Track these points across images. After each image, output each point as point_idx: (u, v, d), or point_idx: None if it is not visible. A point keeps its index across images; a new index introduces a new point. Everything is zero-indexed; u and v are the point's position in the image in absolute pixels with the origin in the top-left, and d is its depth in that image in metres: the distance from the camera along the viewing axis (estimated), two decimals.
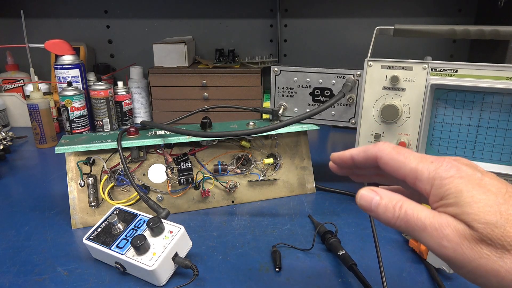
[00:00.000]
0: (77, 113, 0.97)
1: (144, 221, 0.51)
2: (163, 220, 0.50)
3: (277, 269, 0.50)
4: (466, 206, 0.25)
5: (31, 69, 1.01)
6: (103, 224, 0.52)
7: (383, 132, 0.61)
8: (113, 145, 0.60)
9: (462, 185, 0.26)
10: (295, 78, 0.68)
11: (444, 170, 0.27)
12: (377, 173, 0.35)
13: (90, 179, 0.60)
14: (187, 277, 0.49)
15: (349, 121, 0.67)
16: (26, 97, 1.13)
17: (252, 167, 0.68)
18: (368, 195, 0.29)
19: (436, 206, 0.27)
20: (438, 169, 0.27)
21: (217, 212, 0.65)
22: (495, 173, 0.55)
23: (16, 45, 1.05)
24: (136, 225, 0.51)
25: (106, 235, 0.51)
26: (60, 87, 1.02)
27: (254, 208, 0.66)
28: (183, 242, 0.50)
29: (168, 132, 0.64)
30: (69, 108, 0.96)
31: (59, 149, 0.58)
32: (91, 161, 0.61)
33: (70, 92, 0.95)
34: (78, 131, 0.98)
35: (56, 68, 1.01)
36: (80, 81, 1.03)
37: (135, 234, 0.49)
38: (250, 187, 0.68)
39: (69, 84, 0.97)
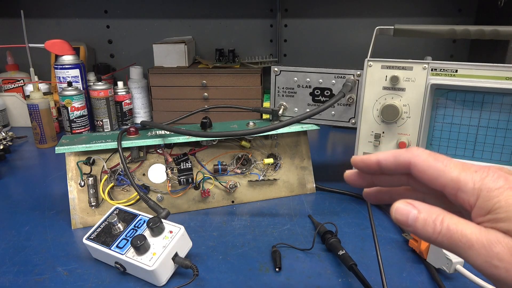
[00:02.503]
0: (77, 113, 0.97)
1: (144, 221, 0.51)
2: (163, 220, 0.50)
3: (277, 269, 0.50)
4: None
5: (31, 69, 1.01)
6: (103, 224, 0.52)
7: (383, 132, 0.61)
8: (113, 145, 0.60)
9: None
10: (295, 78, 0.68)
11: (492, 181, 0.24)
12: (403, 183, 0.32)
13: (90, 179, 0.60)
14: (187, 277, 0.49)
15: (349, 121, 0.67)
16: (26, 97, 1.13)
17: (252, 167, 0.68)
18: (405, 208, 0.26)
19: (481, 221, 0.25)
20: (485, 179, 0.25)
21: (217, 212, 0.65)
22: None
23: (16, 45, 1.05)
24: (136, 225, 0.51)
25: (106, 235, 0.51)
26: (60, 87, 1.02)
27: (254, 208, 0.66)
28: (183, 242, 0.50)
29: (168, 132, 0.64)
30: (69, 108, 0.96)
31: (59, 149, 0.58)
32: (91, 161, 0.61)
33: (70, 92, 0.95)
34: (78, 131, 0.98)
35: (56, 68, 1.01)
36: (80, 81, 1.03)
37: (135, 234, 0.49)
38: (250, 187, 0.68)
39: (69, 84, 0.97)
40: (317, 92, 0.67)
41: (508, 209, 0.23)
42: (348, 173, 0.33)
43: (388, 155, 0.30)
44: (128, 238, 0.49)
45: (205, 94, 1.10)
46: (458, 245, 0.24)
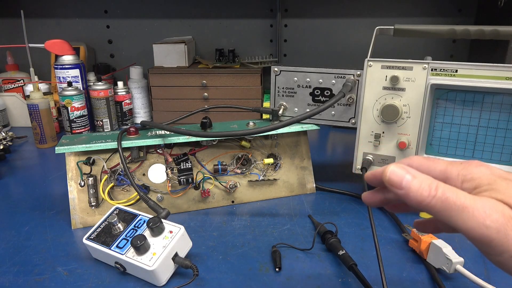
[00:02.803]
0: (77, 113, 0.97)
1: (144, 221, 0.51)
2: (163, 220, 0.50)
3: (277, 269, 0.50)
4: (505, 191, 0.26)
5: (31, 69, 1.01)
6: (103, 224, 0.52)
7: (383, 132, 0.61)
8: (113, 145, 0.60)
9: (494, 176, 0.27)
10: (295, 78, 0.68)
11: (474, 166, 0.28)
12: None
13: (90, 179, 0.60)
14: (187, 277, 0.49)
15: (349, 121, 0.67)
16: (26, 97, 1.13)
17: (252, 167, 0.68)
18: (400, 171, 0.28)
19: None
20: (468, 166, 0.28)
21: (217, 212, 0.65)
22: None
23: (16, 45, 1.05)
24: (136, 225, 0.51)
25: (106, 235, 0.51)
26: (60, 87, 1.02)
27: (254, 208, 0.66)
28: (183, 242, 0.50)
29: (168, 132, 0.64)
30: (69, 108, 0.96)
31: (59, 149, 0.58)
32: (91, 161, 0.61)
33: (70, 92, 0.95)
34: (78, 131, 0.98)
35: (56, 68, 1.01)
36: (80, 81, 1.03)
37: (135, 234, 0.49)
38: (250, 187, 0.68)
39: (69, 84, 0.97)
40: (317, 92, 0.67)
41: (492, 184, 0.26)
42: (365, 197, 0.34)
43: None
44: (128, 238, 0.49)
45: (205, 94, 1.10)
46: (451, 208, 0.25)
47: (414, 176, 0.27)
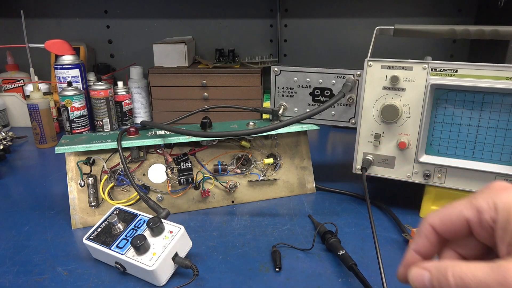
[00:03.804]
0: (77, 113, 0.97)
1: (144, 221, 0.51)
2: (163, 220, 0.50)
3: (277, 269, 0.50)
4: None
5: (31, 69, 1.01)
6: (103, 224, 0.52)
7: (383, 132, 0.61)
8: (113, 145, 0.60)
9: None
10: (295, 78, 0.68)
11: (501, 191, 0.26)
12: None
13: (90, 179, 0.60)
14: (187, 277, 0.49)
15: (349, 121, 0.67)
16: (26, 97, 1.13)
17: (252, 167, 0.68)
18: (418, 273, 0.26)
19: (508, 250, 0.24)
20: (495, 192, 0.26)
21: (217, 212, 0.65)
22: (495, 173, 0.55)
23: (16, 45, 1.05)
24: (136, 225, 0.51)
25: (106, 235, 0.51)
26: (60, 87, 1.02)
27: (254, 208, 0.66)
28: (183, 242, 0.50)
29: (168, 132, 0.64)
30: (69, 108, 0.96)
31: (59, 149, 0.58)
32: (91, 161, 0.61)
33: (70, 92, 0.95)
34: (78, 131, 0.98)
35: (56, 68, 1.01)
36: (80, 81, 1.03)
37: (135, 234, 0.49)
38: (250, 187, 0.68)
39: (69, 84, 0.97)
40: (317, 92, 0.67)
41: None
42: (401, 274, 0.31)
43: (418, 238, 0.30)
44: (128, 238, 0.49)
45: (205, 94, 1.10)
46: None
47: (430, 270, 0.26)
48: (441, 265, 0.25)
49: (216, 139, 0.65)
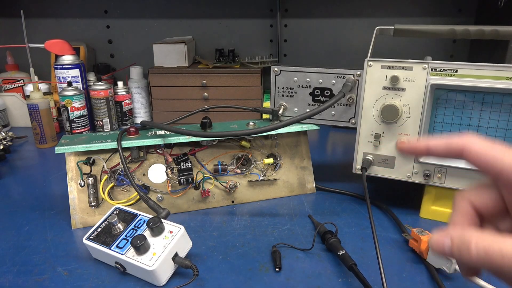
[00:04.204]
0: (77, 113, 0.97)
1: (144, 221, 0.51)
2: (163, 220, 0.50)
3: (277, 269, 0.50)
4: None
5: (31, 69, 1.01)
6: (103, 224, 0.52)
7: (383, 132, 0.61)
8: (113, 145, 0.60)
9: None
10: (295, 78, 0.68)
11: None
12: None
13: (90, 179, 0.60)
14: (187, 277, 0.49)
15: (349, 121, 0.67)
16: (26, 97, 1.13)
17: (252, 167, 0.68)
18: (439, 240, 0.25)
19: None
20: None
21: (217, 212, 0.65)
22: None
23: (16, 45, 1.05)
24: (136, 225, 0.51)
25: (106, 235, 0.51)
26: (60, 87, 1.02)
27: (254, 208, 0.66)
28: (183, 242, 0.50)
29: (168, 132, 0.64)
30: (69, 108, 0.96)
31: (59, 149, 0.58)
32: (91, 161, 0.61)
33: (70, 92, 0.95)
34: (78, 131, 0.98)
35: (56, 68, 1.01)
36: (80, 81, 1.03)
37: (135, 234, 0.49)
38: (250, 187, 0.68)
39: (69, 84, 0.97)
40: (317, 92, 0.67)
41: None
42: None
43: (439, 141, 0.28)
44: (128, 238, 0.49)
45: (205, 94, 1.10)
46: (500, 264, 0.22)
47: (452, 238, 0.24)
48: (466, 234, 0.24)
49: (216, 139, 0.65)
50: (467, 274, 0.28)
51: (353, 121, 0.66)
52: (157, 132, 0.65)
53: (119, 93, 1.07)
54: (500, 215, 0.27)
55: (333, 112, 0.67)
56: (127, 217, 0.53)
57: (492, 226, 0.28)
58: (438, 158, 0.34)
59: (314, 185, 0.71)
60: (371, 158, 0.63)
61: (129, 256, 0.47)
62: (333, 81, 0.66)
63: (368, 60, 0.60)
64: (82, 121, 0.99)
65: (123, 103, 1.08)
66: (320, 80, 0.66)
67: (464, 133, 0.27)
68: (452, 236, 0.24)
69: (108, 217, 0.53)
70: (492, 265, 0.22)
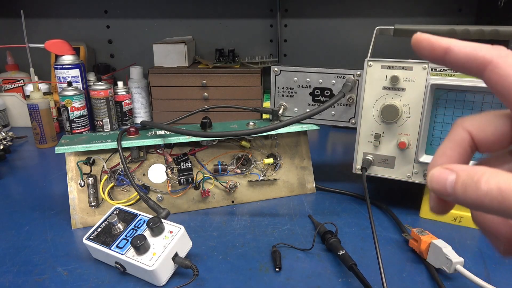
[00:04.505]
0: (77, 113, 0.97)
1: (144, 221, 0.51)
2: (163, 220, 0.50)
3: (277, 269, 0.50)
4: None
5: (31, 69, 1.01)
6: (103, 224, 0.52)
7: (383, 132, 0.61)
8: (113, 145, 0.60)
9: None
10: (295, 78, 0.68)
11: None
12: None
13: (90, 179, 0.60)
14: (187, 277, 0.49)
15: (349, 121, 0.67)
16: (26, 97, 1.13)
17: (252, 167, 0.68)
18: (441, 175, 0.21)
19: None
20: None
21: (217, 212, 0.65)
22: None
23: (16, 45, 1.05)
24: (136, 225, 0.51)
25: (106, 235, 0.51)
26: (60, 87, 1.02)
27: (254, 208, 0.66)
28: (183, 242, 0.50)
29: (168, 132, 0.64)
30: (69, 108, 0.96)
31: (59, 149, 0.58)
32: (91, 161, 0.61)
33: (70, 92, 0.95)
34: (78, 131, 0.98)
35: (56, 68, 1.01)
36: (80, 81, 1.03)
37: (135, 234, 0.49)
38: (250, 187, 0.68)
39: (69, 84, 0.97)
40: (317, 92, 0.67)
41: None
42: (434, 204, 0.25)
43: (464, 44, 0.23)
44: (128, 238, 0.49)
45: (205, 94, 1.10)
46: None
47: (458, 173, 0.20)
48: (476, 170, 0.20)
49: (216, 139, 0.65)
50: (440, 210, 0.24)
51: (353, 121, 0.66)
52: (157, 132, 0.65)
53: (119, 93, 1.07)
54: (501, 153, 0.23)
55: (333, 112, 0.67)
56: (127, 217, 0.53)
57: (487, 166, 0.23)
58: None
59: (314, 185, 0.71)
60: (371, 158, 0.63)
61: (129, 256, 0.47)
62: (333, 81, 0.66)
63: (368, 60, 0.60)
64: (82, 121, 0.99)
65: (123, 103, 1.08)
66: (320, 80, 0.66)
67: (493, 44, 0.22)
68: (457, 170, 0.21)
69: (108, 217, 0.53)
70: (505, 203, 0.18)
